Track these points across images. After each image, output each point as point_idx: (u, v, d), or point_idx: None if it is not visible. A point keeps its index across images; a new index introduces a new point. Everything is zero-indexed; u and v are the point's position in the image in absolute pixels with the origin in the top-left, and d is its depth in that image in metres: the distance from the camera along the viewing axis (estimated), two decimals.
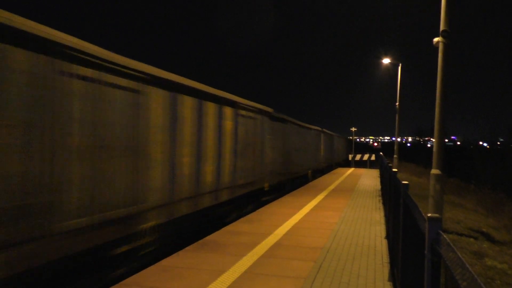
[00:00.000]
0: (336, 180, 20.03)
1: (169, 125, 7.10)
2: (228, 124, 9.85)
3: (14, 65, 4.13)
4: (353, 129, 44.55)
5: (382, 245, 7.07)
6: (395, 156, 28.14)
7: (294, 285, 4.94)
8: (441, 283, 2.16)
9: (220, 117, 9.32)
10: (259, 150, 12.41)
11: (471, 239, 8.74)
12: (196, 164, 8.10)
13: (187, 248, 6.52)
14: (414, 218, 2.97)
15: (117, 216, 5.60)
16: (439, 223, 2.15)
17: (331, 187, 16.75)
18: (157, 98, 6.71)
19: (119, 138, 5.72)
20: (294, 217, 9.35)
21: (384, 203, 11.32)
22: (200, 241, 6.94)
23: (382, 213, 10.34)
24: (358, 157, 37.58)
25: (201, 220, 8.47)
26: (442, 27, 8.46)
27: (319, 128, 25.57)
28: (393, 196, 6.22)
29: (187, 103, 7.74)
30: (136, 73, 6.10)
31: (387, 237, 7.48)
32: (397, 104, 27.78)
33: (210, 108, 8.79)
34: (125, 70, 5.83)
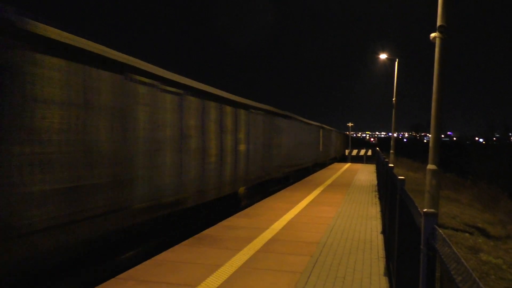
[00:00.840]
0: (333, 175, 20.07)
1: (200, 125, 8.57)
2: (242, 124, 11.35)
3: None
4: (350, 124, 44.61)
5: (378, 239, 7.09)
6: (391, 151, 28.21)
7: (290, 279, 4.95)
8: (437, 277, 2.17)
9: (236, 118, 10.79)
10: (267, 146, 13.88)
11: (467, 234, 8.79)
12: (219, 160, 9.64)
13: (183, 242, 6.53)
14: (410, 213, 2.98)
15: (168, 201, 7.24)
16: (435, 218, 2.16)
17: (328, 182, 16.78)
18: (192, 103, 8.27)
19: (170, 138, 7.31)
20: (290, 212, 9.37)
21: (380, 198, 11.36)
22: (197, 236, 6.95)
23: (378, 208, 10.37)
24: (354, 152, 37.62)
25: (222, 204, 10.16)
26: (439, 22, 8.45)
27: (319, 124, 25.93)
28: (389, 191, 6.23)
29: (212, 108, 9.24)
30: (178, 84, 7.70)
31: (383, 232, 7.51)
32: (394, 99, 27.82)
33: (227, 110, 10.19)
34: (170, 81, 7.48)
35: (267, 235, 7.13)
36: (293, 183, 16.17)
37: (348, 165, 30.02)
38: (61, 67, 4.85)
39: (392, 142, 28.93)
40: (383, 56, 28.03)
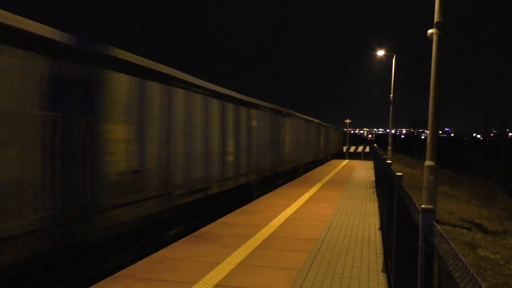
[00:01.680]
0: (331, 172, 20.09)
1: (221, 127, 9.66)
2: (254, 123, 12.38)
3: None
4: (348, 120, 44.62)
5: (376, 236, 7.11)
6: (389, 147, 28.25)
7: (288, 276, 4.96)
8: (435, 273, 2.18)
9: (249, 117, 11.84)
10: (275, 142, 14.94)
11: (464, 230, 8.82)
12: (236, 154, 10.79)
13: (181, 240, 6.53)
14: (408, 209, 2.98)
15: (198, 187, 8.41)
16: (432, 214, 2.16)
17: (326, 178, 16.81)
18: (214, 104, 9.31)
19: (200, 136, 8.48)
20: (289, 209, 9.38)
21: (378, 195, 11.39)
22: (195, 233, 6.95)
23: (376, 205, 10.40)
24: (352, 148, 37.67)
25: (238, 192, 11.36)
26: (436, 18, 8.45)
27: (319, 121, 26.25)
28: (387, 188, 6.24)
29: (230, 109, 10.31)
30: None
31: (381, 228, 7.53)
32: (391, 96, 27.83)
33: (242, 111, 11.28)
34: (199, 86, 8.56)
35: (265, 232, 7.14)
36: (295, 179, 16.32)
37: (346, 161, 30.06)
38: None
39: (389, 139, 28.97)
40: (380, 52, 28.02)
